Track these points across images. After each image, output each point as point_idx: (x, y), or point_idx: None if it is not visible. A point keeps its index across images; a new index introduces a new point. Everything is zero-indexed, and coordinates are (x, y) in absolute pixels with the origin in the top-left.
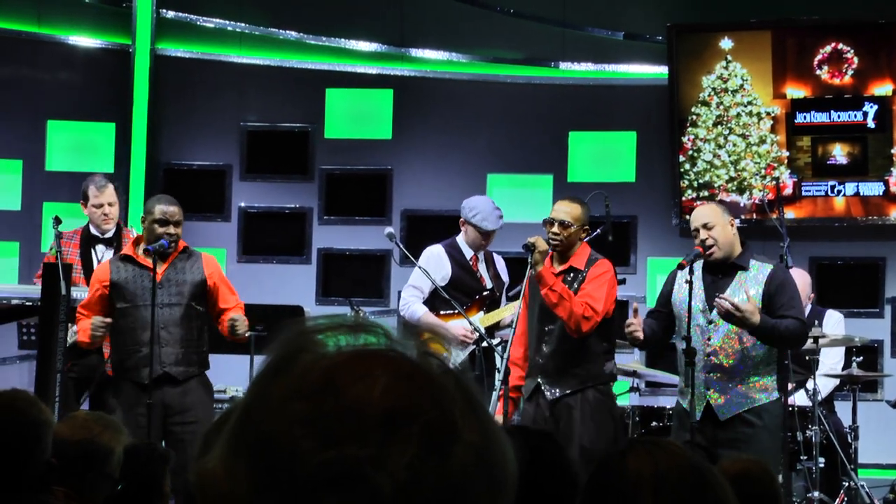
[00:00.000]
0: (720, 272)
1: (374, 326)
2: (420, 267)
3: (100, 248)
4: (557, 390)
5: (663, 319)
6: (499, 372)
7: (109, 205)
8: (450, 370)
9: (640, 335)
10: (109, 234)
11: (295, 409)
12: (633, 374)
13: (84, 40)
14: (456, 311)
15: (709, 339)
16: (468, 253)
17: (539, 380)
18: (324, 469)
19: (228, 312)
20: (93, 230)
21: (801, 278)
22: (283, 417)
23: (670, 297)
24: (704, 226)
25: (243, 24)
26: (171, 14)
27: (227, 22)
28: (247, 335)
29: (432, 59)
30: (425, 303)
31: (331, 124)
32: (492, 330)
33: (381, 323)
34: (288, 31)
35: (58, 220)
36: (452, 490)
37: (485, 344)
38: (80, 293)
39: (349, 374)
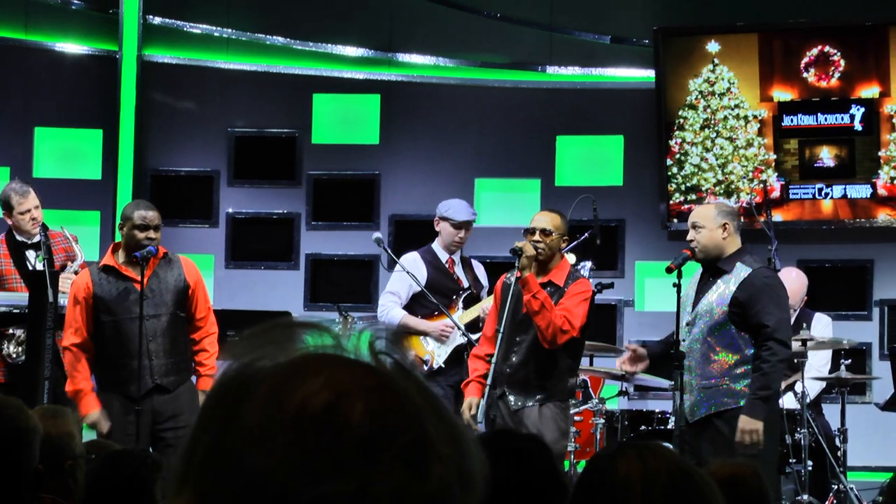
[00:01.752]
0: (710, 275)
1: (317, 326)
2: (405, 269)
3: (30, 253)
4: (521, 401)
5: None
6: (485, 376)
7: (36, 208)
8: (405, 370)
9: (635, 369)
10: (36, 238)
11: (276, 446)
12: (622, 378)
13: (71, 47)
14: (434, 314)
15: (684, 340)
16: (443, 256)
17: (505, 389)
18: None
19: (201, 335)
20: (18, 237)
21: (799, 280)
22: (266, 456)
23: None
24: (693, 225)
25: (230, 30)
26: (157, 20)
27: (214, 28)
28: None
29: (419, 64)
30: (404, 308)
31: (318, 129)
32: (473, 325)
33: (319, 322)
34: (275, 37)
35: (45, 227)
36: None
37: (473, 337)
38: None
39: (318, 398)
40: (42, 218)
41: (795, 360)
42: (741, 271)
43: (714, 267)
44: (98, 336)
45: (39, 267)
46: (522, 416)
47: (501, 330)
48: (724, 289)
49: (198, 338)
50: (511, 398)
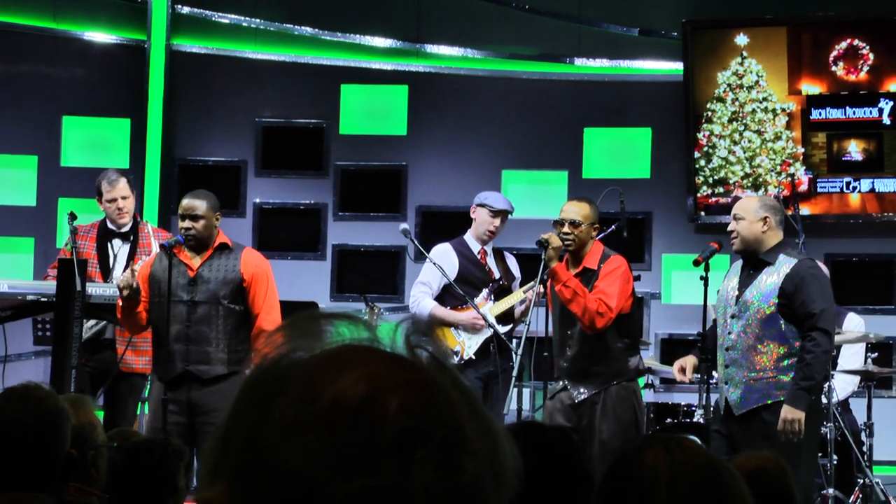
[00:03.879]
0: (752, 267)
1: (352, 317)
2: (432, 260)
3: (116, 242)
4: (583, 391)
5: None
6: (513, 367)
7: (123, 198)
8: (440, 364)
9: (689, 376)
10: (126, 229)
11: (310, 441)
12: (648, 370)
13: (99, 36)
14: (465, 305)
15: (728, 333)
16: (475, 247)
17: (566, 381)
18: (344, 503)
19: (255, 331)
20: (109, 225)
21: None
22: (300, 450)
23: None
24: (734, 216)
25: (258, 20)
26: (186, 10)
27: (243, 18)
28: None
29: (447, 55)
30: (436, 299)
31: (346, 120)
32: (506, 318)
33: (354, 313)
34: (303, 27)
35: (73, 216)
36: (467, 501)
37: (502, 329)
38: (95, 289)
39: (353, 391)
40: (131, 209)
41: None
42: (785, 263)
43: (756, 259)
44: (150, 316)
45: (122, 257)
46: (587, 406)
47: (554, 326)
48: (770, 280)
49: (253, 334)
50: (573, 391)
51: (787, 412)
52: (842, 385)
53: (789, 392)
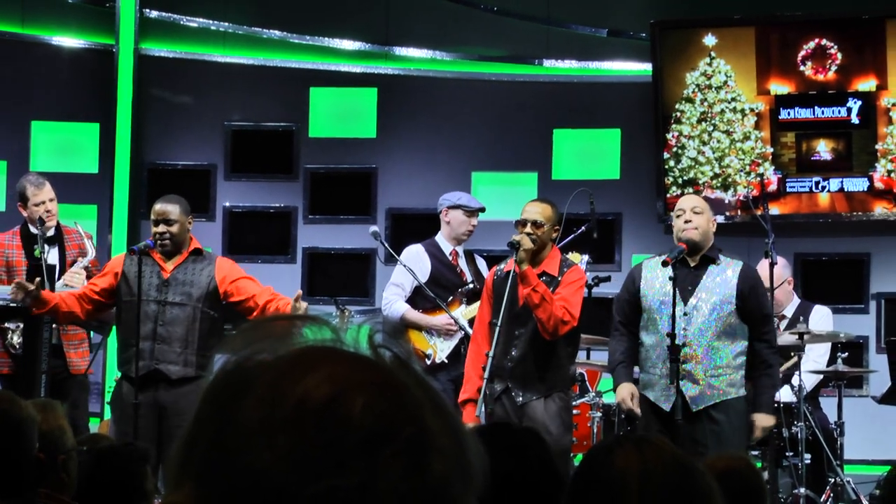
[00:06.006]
0: (692, 265)
1: (316, 319)
2: (402, 263)
3: (46, 246)
4: (525, 395)
5: (632, 335)
6: (484, 369)
7: (51, 200)
8: (404, 363)
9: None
10: (51, 233)
11: (276, 442)
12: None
13: (68, 40)
14: (438, 307)
15: (682, 330)
16: (447, 249)
17: (508, 383)
18: (312, 503)
19: (281, 301)
20: (32, 229)
21: (779, 265)
22: (267, 452)
23: (635, 301)
24: (693, 209)
25: (227, 24)
26: (154, 14)
27: (211, 21)
28: None
29: (416, 58)
30: (408, 301)
31: (315, 123)
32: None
33: (317, 315)
34: (271, 31)
35: (41, 221)
36: (436, 499)
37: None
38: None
39: (318, 392)
40: (57, 211)
41: (792, 354)
42: (731, 263)
43: (699, 256)
44: (117, 317)
45: (50, 260)
46: (528, 409)
47: (499, 324)
48: (721, 280)
49: (262, 303)
50: (515, 393)
51: (765, 420)
52: (807, 376)
53: (762, 399)
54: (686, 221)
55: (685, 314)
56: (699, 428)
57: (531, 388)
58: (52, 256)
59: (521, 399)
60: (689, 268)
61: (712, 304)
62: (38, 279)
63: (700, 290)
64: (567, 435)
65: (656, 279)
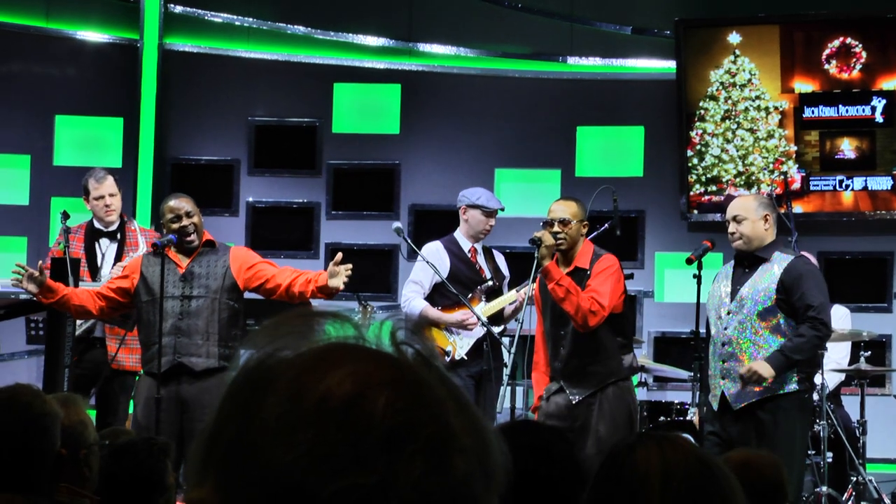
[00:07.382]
0: (747, 265)
1: (338, 316)
2: (426, 259)
3: (104, 241)
4: (579, 393)
5: None
6: (506, 367)
7: (110, 195)
8: (427, 361)
9: None
10: (113, 228)
11: (298, 440)
12: (642, 368)
13: (92, 35)
14: (456, 305)
15: (725, 328)
16: (466, 246)
17: (561, 383)
18: (333, 501)
19: (303, 276)
20: (96, 224)
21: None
22: (288, 449)
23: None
24: (734, 218)
25: (251, 19)
26: (178, 9)
27: (235, 17)
28: (341, 287)
29: (440, 54)
30: (426, 298)
31: (338, 119)
32: (496, 319)
33: (339, 311)
34: (295, 26)
35: (66, 215)
36: (458, 498)
37: (495, 329)
38: (84, 287)
39: (340, 389)
40: (118, 207)
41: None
42: (781, 259)
43: (752, 257)
44: (138, 319)
45: (109, 256)
46: (583, 407)
47: (545, 327)
48: (768, 276)
49: (284, 283)
50: (569, 392)
51: (759, 366)
52: (829, 375)
53: (772, 353)
54: (731, 233)
55: (728, 312)
56: (743, 428)
57: (583, 384)
58: (110, 252)
59: (576, 398)
60: (743, 269)
61: (753, 300)
62: (39, 262)
63: (745, 288)
64: (618, 433)
65: (719, 283)
